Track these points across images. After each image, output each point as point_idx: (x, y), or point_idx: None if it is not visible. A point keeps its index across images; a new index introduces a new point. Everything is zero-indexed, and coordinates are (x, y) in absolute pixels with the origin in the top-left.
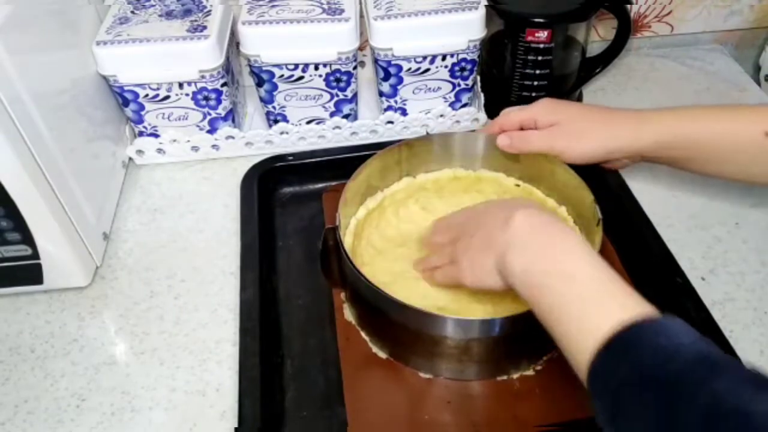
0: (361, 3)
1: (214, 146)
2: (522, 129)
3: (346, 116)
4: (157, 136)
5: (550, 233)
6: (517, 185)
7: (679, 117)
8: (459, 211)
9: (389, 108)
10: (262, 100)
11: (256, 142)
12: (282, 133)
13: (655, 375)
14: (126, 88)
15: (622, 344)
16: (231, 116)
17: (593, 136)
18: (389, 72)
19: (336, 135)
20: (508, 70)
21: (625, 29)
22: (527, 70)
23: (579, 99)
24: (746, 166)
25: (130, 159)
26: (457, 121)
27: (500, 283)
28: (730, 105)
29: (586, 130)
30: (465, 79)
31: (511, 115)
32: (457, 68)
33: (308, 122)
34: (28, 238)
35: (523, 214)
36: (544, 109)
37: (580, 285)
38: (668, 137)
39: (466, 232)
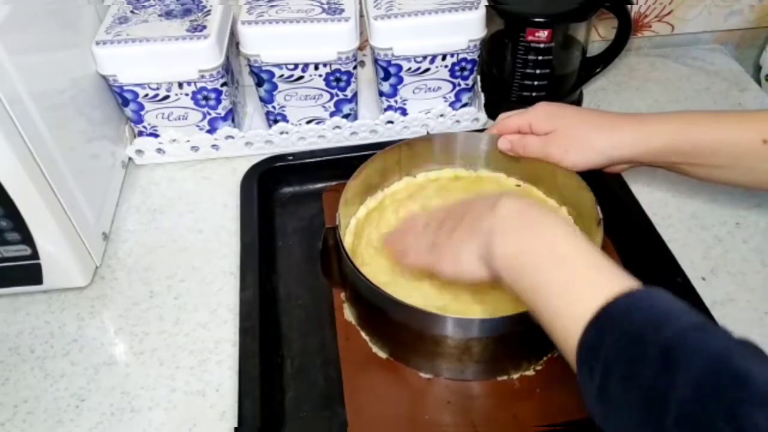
0: (361, 2)
1: (213, 146)
2: (520, 132)
3: (346, 116)
4: (156, 135)
5: (533, 216)
6: (518, 185)
7: (678, 123)
8: (445, 205)
9: (389, 108)
10: (261, 99)
11: (255, 142)
12: (282, 133)
13: (646, 340)
14: (125, 88)
15: (612, 315)
16: (231, 116)
17: (591, 145)
18: (389, 72)
19: (336, 135)
20: (508, 69)
21: (626, 29)
22: (527, 70)
23: (579, 98)
24: (745, 172)
25: (130, 159)
26: (457, 121)
27: (483, 272)
28: (729, 111)
29: (583, 138)
30: (465, 78)
31: (508, 121)
32: (457, 68)
33: (308, 122)
34: (27, 238)
35: (508, 200)
36: (541, 114)
37: (565, 262)
38: (667, 144)
39: (450, 218)
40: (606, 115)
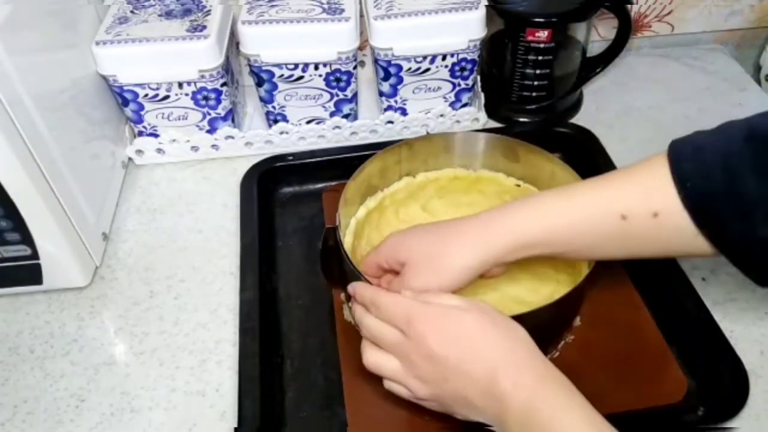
0: (361, 2)
1: (213, 146)
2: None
3: (346, 116)
4: (156, 136)
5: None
6: (518, 185)
7: (530, 216)
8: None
9: (389, 108)
10: (261, 99)
11: (255, 142)
12: (282, 133)
13: None
14: (125, 88)
15: None
16: (231, 116)
17: (447, 264)
18: (389, 72)
19: (336, 135)
20: (508, 70)
21: (626, 29)
22: (527, 70)
23: (579, 99)
24: (614, 248)
25: (130, 159)
26: (457, 121)
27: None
28: (582, 189)
29: (435, 258)
30: (465, 78)
31: (367, 262)
32: (457, 68)
33: (308, 122)
34: (27, 239)
35: (513, 398)
36: (387, 249)
37: None
38: (524, 240)
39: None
40: (450, 224)
